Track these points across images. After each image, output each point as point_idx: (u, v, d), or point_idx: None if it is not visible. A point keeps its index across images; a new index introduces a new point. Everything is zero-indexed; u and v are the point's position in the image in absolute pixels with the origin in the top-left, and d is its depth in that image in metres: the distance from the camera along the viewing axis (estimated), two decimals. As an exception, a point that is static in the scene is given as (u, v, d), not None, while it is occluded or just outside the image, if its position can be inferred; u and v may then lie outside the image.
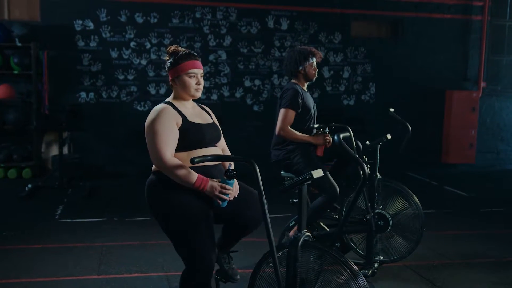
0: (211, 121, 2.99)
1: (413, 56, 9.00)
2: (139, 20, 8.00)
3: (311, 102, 4.17)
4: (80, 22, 7.82)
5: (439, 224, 5.55)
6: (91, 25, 7.85)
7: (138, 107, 8.11)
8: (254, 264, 2.74)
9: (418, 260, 4.32)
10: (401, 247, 4.09)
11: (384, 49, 8.90)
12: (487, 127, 9.49)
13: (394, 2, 8.85)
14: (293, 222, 4.14)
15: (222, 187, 2.71)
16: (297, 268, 2.50)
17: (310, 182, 2.48)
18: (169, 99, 2.92)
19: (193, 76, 2.87)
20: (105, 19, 7.89)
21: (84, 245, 4.64)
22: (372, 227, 3.83)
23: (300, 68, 4.10)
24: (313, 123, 4.24)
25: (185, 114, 2.84)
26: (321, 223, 4.13)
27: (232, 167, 2.79)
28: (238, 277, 3.17)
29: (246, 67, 8.42)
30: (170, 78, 2.92)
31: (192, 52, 2.92)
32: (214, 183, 2.71)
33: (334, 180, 3.91)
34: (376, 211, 3.95)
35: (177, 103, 2.88)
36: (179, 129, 2.78)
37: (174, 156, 2.74)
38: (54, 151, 7.68)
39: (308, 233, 2.55)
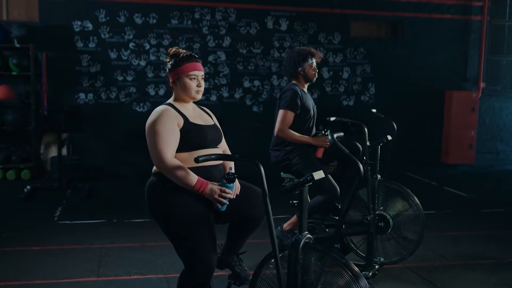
0: (212, 122, 3.00)
1: (413, 56, 8.99)
2: (138, 21, 7.98)
3: (310, 103, 4.16)
4: (79, 23, 7.80)
5: (439, 225, 5.53)
6: (90, 26, 7.83)
7: (137, 108, 8.09)
8: (255, 265, 2.72)
9: (418, 262, 4.31)
10: (402, 249, 4.08)
11: (383, 49, 8.89)
12: (486, 127, 9.48)
13: (394, 2, 8.84)
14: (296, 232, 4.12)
15: (221, 191, 2.70)
16: (298, 270, 2.49)
17: (311, 183, 2.47)
18: (170, 100, 2.92)
19: (194, 78, 2.86)
20: (104, 19, 7.87)
21: (83, 247, 4.61)
22: (372, 228, 3.81)
23: (299, 69, 4.09)
24: (313, 124, 4.23)
25: (186, 115, 2.83)
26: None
27: (233, 171, 2.78)
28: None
29: (246, 67, 8.41)
30: (170, 80, 2.91)
31: (193, 54, 2.92)
32: (214, 187, 2.71)
33: (336, 183, 3.91)
34: (377, 212, 3.94)
35: (178, 105, 2.87)
36: (181, 130, 2.77)
37: (175, 157, 2.73)
38: (53, 152, 7.65)
39: (309, 235, 2.53)
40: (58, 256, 4.35)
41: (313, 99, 4.34)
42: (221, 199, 2.71)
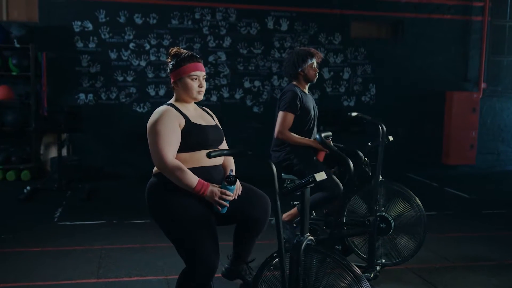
0: (214, 123, 2.98)
1: (413, 57, 8.97)
2: (138, 21, 7.96)
3: (311, 104, 4.14)
4: (79, 23, 7.79)
5: (440, 226, 5.51)
6: (90, 26, 7.82)
7: (138, 109, 8.08)
8: (256, 267, 2.70)
9: (420, 263, 4.29)
10: (403, 250, 4.05)
11: (384, 50, 8.87)
12: (487, 128, 9.46)
13: (394, 2, 8.82)
14: (295, 225, 4.11)
15: (222, 193, 2.69)
16: (299, 272, 2.47)
17: (312, 185, 2.46)
18: (171, 101, 2.91)
19: (195, 79, 2.85)
20: (104, 20, 7.85)
21: (83, 248, 4.59)
22: (374, 230, 3.79)
23: (299, 69, 4.07)
24: (314, 125, 4.21)
25: (187, 115, 2.82)
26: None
27: (233, 173, 2.76)
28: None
29: (246, 68, 8.39)
30: (172, 80, 2.90)
31: (195, 54, 2.90)
32: (215, 189, 2.69)
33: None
34: (378, 213, 3.92)
35: (179, 105, 2.86)
36: (182, 131, 2.76)
37: (176, 157, 2.71)
38: (53, 153, 7.63)
39: (310, 237, 2.52)
40: (58, 258, 4.33)
41: (314, 99, 4.33)
42: (221, 201, 2.69)
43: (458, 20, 9.13)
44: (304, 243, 2.47)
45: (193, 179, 2.67)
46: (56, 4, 7.66)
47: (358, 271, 2.42)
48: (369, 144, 4.06)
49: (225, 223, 2.94)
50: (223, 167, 2.97)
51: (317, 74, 4.15)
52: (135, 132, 7.44)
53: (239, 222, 2.99)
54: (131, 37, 7.96)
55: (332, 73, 8.74)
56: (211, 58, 8.23)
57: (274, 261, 2.61)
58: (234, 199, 2.77)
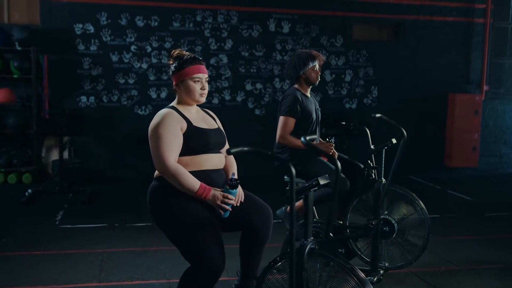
0: (216, 126, 2.96)
1: (415, 59, 8.95)
2: (140, 23, 7.96)
3: (312, 107, 4.12)
4: (81, 25, 7.78)
5: (444, 229, 5.48)
6: (91, 28, 7.81)
7: (139, 111, 8.06)
8: (259, 270, 2.68)
9: (424, 267, 4.26)
10: (407, 253, 4.03)
11: (386, 52, 8.86)
12: (490, 130, 9.44)
13: (396, 5, 8.81)
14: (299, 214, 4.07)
15: (224, 197, 2.66)
16: (303, 276, 2.45)
17: (316, 188, 2.44)
18: (173, 104, 2.88)
19: (198, 81, 2.83)
20: (105, 22, 7.85)
21: (85, 252, 4.57)
22: (377, 233, 3.77)
23: (301, 72, 4.05)
24: (317, 128, 4.19)
25: (189, 119, 2.80)
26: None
27: (235, 177, 2.73)
28: None
29: (248, 70, 8.38)
30: (174, 83, 2.88)
31: (197, 56, 2.88)
32: (217, 193, 2.67)
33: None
34: (381, 216, 3.89)
35: (181, 108, 2.84)
36: (184, 134, 2.73)
37: (177, 160, 2.69)
38: (54, 155, 7.62)
39: (314, 241, 2.49)
40: (59, 261, 4.31)
41: (317, 102, 4.30)
42: (223, 205, 2.67)
43: (460, 22, 9.11)
44: (308, 247, 2.45)
45: (195, 183, 2.65)
46: (57, 6, 7.65)
47: (362, 275, 2.40)
48: (372, 147, 4.04)
49: (227, 230, 2.91)
50: (224, 170, 2.94)
51: (319, 76, 4.13)
52: (137, 134, 7.40)
53: (242, 231, 2.94)
54: (133, 39, 7.95)
55: (334, 76, 8.72)
56: (212, 61, 8.22)
57: (277, 265, 2.59)
58: (237, 206, 2.74)
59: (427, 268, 4.28)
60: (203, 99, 2.86)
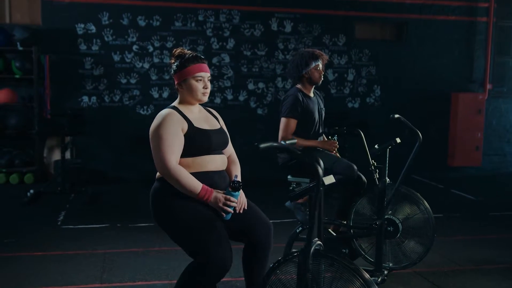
0: (219, 126, 2.91)
1: (418, 58, 8.91)
2: (142, 23, 7.94)
3: (315, 107, 4.08)
4: (82, 25, 7.76)
5: (448, 228, 5.45)
6: (93, 28, 7.79)
7: (141, 111, 8.04)
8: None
9: (428, 267, 4.23)
10: (411, 253, 4.00)
11: (388, 51, 8.82)
12: (493, 129, 9.39)
13: (398, 4, 8.77)
14: (300, 228, 4.05)
15: (226, 199, 2.63)
16: (308, 278, 2.42)
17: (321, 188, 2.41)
18: (175, 103, 2.85)
19: (200, 80, 2.80)
20: (107, 22, 7.83)
21: (87, 252, 4.55)
22: (381, 233, 3.74)
23: (303, 72, 4.01)
24: (320, 128, 4.16)
25: (191, 119, 2.76)
26: (329, 229, 4.06)
27: (238, 179, 2.70)
28: None
29: (250, 70, 8.35)
30: (176, 82, 2.85)
31: (199, 55, 2.85)
32: (219, 195, 2.64)
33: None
34: (385, 216, 3.86)
35: (183, 108, 2.80)
36: (185, 135, 2.70)
37: (179, 162, 2.66)
38: (56, 156, 7.60)
39: (319, 242, 2.46)
40: (61, 262, 4.29)
41: (322, 101, 4.27)
42: (225, 207, 2.64)
43: (463, 21, 9.07)
44: (312, 248, 2.42)
45: (197, 185, 2.62)
46: (59, 6, 7.63)
47: (367, 275, 2.37)
48: (376, 146, 4.00)
49: (230, 238, 2.85)
50: (227, 172, 2.90)
51: (322, 76, 4.09)
52: (139, 134, 7.38)
53: (244, 246, 2.87)
54: (134, 39, 7.93)
55: (336, 75, 8.69)
56: (214, 60, 8.19)
57: (281, 266, 2.56)
58: (239, 213, 2.71)
59: (431, 268, 4.26)
60: (205, 98, 2.83)
